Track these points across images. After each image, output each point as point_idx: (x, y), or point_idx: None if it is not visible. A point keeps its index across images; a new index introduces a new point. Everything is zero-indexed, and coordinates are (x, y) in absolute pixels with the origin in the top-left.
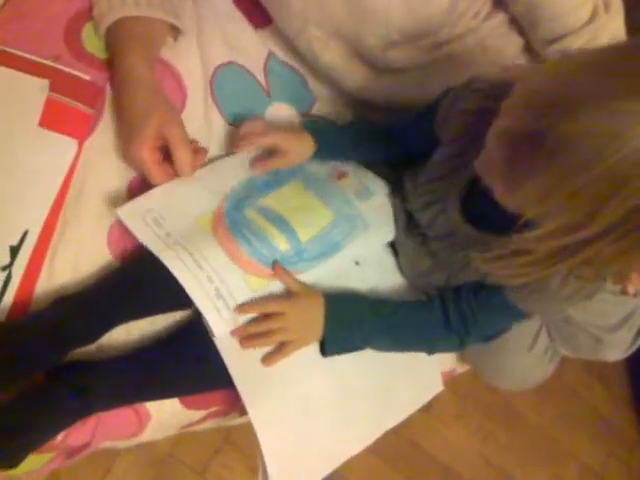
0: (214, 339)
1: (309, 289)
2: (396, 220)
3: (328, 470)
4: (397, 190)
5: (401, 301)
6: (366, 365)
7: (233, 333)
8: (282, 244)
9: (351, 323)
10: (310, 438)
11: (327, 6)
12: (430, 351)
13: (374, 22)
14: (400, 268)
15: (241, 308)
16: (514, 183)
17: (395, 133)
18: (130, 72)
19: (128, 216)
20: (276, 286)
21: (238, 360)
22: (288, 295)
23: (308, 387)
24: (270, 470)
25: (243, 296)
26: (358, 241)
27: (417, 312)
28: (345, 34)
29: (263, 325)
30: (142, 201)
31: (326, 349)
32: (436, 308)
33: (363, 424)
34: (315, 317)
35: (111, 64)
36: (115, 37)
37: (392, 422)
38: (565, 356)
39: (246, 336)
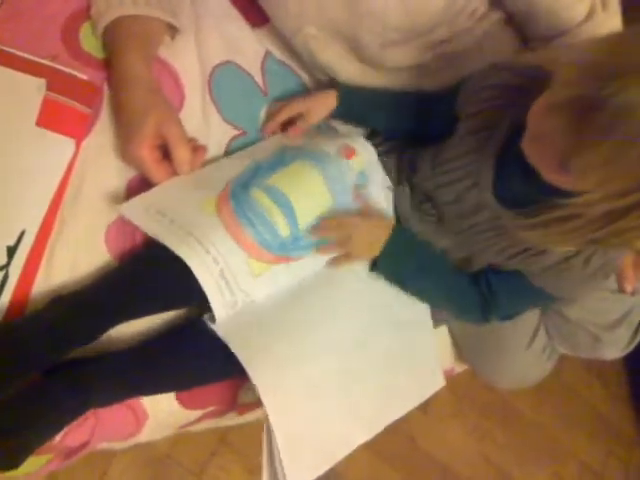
0: (213, 327)
1: (381, 212)
2: (401, 206)
3: (336, 459)
4: (405, 175)
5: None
6: (370, 359)
7: (315, 231)
8: (284, 230)
9: (403, 254)
10: (319, 425)
11: (324, 5)
12: (457, 316)
13: (371, 21)
14: None
15: (322, 224)
16: (569, 154)
17: (419, 108)
18: (128, 71)
19: (130, 210)
20: (280, 270)
21: (242, 344)
22: (363, 212)
23: (316, 375)
24: (283, 455)
25: (246, 281)
26: None
27: (458, 276)
28: (342, 33)
29: (338, 230)
30: (144, 196)
31: (377, 267)
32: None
33: (367, 415)
34: (379, 237)
35: (109, 64)
36: (113, 36)
37: (394, 415)
38: (564, 355)
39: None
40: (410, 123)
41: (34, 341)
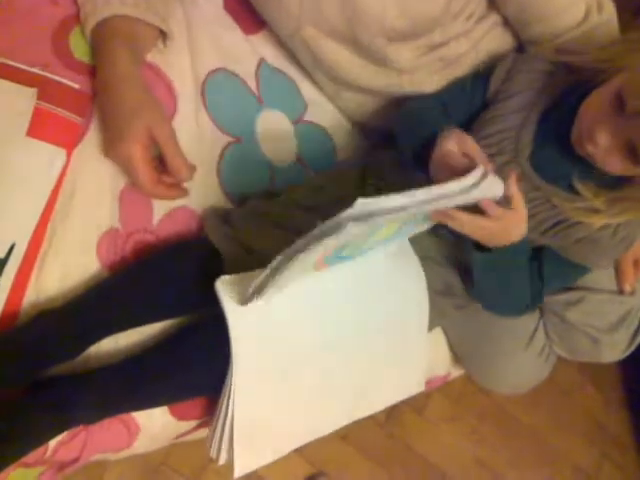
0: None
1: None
2: None
3: (292, 447)
4: None
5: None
6: (352, 352)
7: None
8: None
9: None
10: (283, 410)
11: (322, 5)
12: (492, 306)
13: (368, 21)
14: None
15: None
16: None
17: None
18: (117, 69)
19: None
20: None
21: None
22: (508, 205)
23: (291, 362)
24: (236, 435)
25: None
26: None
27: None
28: (341, 33)
29: (485, 222)
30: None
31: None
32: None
33: (337, 408)
34: (507, 236)
35: (96, 64)
36: (101, 36)
37: (365, 412)
38: (559, 358)
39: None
40: (458, 119)
41: (19, 357)
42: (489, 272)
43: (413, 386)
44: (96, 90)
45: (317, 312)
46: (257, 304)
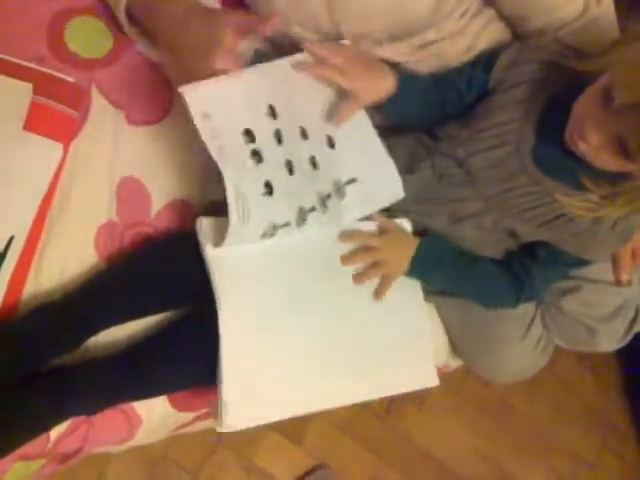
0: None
1: (401, 229)
2: (414, 170)
3: (283, 415)
4: (425, 151)
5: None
6: (361, 332)
7: (345, 261)
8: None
9: (432, 265)
10: (274, 375)
11: (308, 6)
12: (485, 304)
13: (354, 22)
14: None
15: (343, 236)
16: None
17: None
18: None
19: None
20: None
21: (228, 282)
22: (382, 232)
23: (291, 328)
24: (225, 395)
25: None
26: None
27: (487, 267)
28: (328, 33)
29: (367, 257)
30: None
31: (409, 276)
32: (500, 264)
33: (332, 383)
34: (405, 253)
35: (152, 13)
36: None
37: (365, 396)
38: (557, 349)
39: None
40: (454, 104)
41: (16, 348)
42: (445, 285)
43: (425, 379)
44: (159, 30)
45: (296, 268)
46: (237, 247)
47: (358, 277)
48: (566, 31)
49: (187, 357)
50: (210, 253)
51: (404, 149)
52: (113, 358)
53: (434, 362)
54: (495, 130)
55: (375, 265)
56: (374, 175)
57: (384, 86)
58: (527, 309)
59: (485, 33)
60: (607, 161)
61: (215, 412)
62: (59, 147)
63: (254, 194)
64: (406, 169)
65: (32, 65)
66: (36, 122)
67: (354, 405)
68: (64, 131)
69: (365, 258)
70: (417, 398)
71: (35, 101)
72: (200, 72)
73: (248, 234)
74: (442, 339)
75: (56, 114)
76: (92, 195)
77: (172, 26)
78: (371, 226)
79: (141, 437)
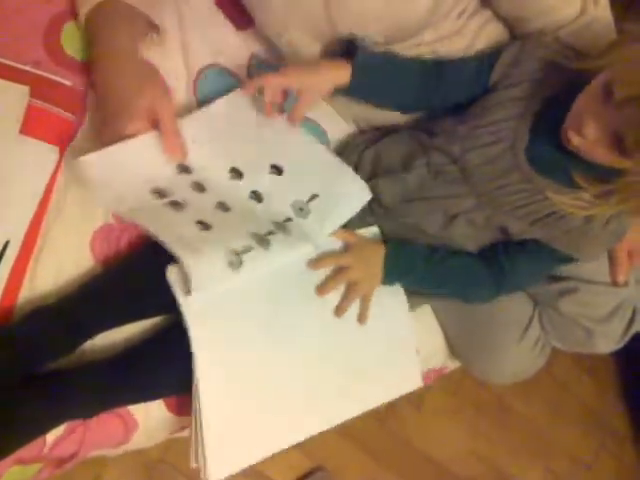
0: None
1: (367, 240)
2: (409, 168)
3: (271, 451)
4: (421, 148)
5: (451, 251)
6: (345, 350)
7: (320, 290)
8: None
9: (406, 270)
10: (258, 415)
11: (306, 9)
12: (465, 299)
13: (352, 24)
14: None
15: (315, 263)
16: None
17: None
18: (116, 42)
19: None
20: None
21: (203, 330)
22: (348, 249)
23: (270, 362)
24: (207, 442)
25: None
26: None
27: (462, 260)
28: (325, 37)
29: (340, 280)
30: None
31: (386, 284)
32: (479, 257)
33: (316, 409)
34: (376, 264)
35: (94, 40)
36: (97, 18)
37: (353, 412)
38: (555, 349)
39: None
40: (436, 94)
41: (12, 353)
42: (425, 284)
43: (410, 382)
44: (93, 65)
45: (273, 299)
46: (213, 289)
47: (339, 309)
48: (564, 32)
49: (183, 361)
50: (183, 302)
51: (400, 148)
52: (110, 361)
53: (420, 364)
54: (492, 127)
55: (351, 288)
56: (335, 186)
57: (333, 75)
58: (524, 311)
59: (483, 33)
60: (602, 156)
61: (195, 456)
62: (55, 150)
63: (191, 232)
64: (402, 167)
65: (28, 68)
66: (33, 125)
67: None
68: (60, 134)
69: (339, 282)
70: (415, 400)
71: (31, 104)
72: (114, 132)
73: (213, 269)
74: (439, 341)
75: (52, 117)
76: (88, 198)
77: (110, 66)
78: (335, 244)
79: (137, 441)
